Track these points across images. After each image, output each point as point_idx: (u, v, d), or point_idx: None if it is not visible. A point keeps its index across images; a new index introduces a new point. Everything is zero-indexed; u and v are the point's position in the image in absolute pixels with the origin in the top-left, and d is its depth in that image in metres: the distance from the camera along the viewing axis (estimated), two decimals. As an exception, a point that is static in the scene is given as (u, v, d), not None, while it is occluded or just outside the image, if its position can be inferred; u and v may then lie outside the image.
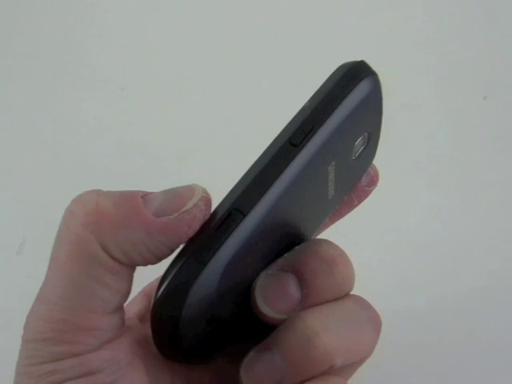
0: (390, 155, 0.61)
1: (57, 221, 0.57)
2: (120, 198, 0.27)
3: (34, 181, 0.62)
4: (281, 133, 0.27)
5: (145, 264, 0.27)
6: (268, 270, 0.29)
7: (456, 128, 0.64)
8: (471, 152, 0.62)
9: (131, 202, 0.26)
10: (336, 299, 0.29)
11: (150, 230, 0.26)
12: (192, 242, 0.26)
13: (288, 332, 0.28)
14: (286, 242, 0.30)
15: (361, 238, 0.54)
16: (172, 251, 0.27)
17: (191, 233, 0.27)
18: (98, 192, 0.27)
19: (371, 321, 0.30)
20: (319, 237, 0.34)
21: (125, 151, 0.63)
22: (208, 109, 0.66)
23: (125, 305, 0.29)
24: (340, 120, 0.27)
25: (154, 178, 0.58)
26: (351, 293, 0.30)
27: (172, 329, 0.26)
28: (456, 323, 0.51)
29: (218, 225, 0.26)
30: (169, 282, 0.26)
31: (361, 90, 0.28)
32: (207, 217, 0.27)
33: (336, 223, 0.36)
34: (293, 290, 0.28)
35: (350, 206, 0.34)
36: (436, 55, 0.69)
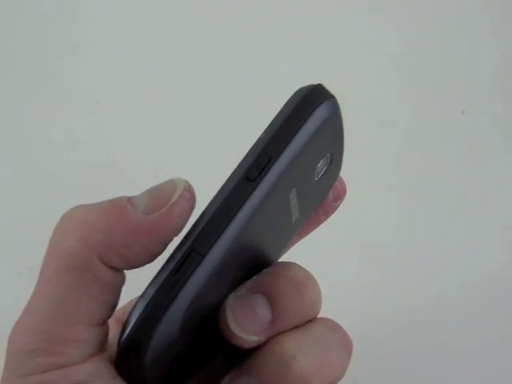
0: (368, 170, 0.61)
1: (32, 235, 0.57)
2: (107, 205, 0.27)
3: (6, 196, 0.61)
4: (237, 167, 0.27)
5: (142, 264, 0.27)
6: (237, 292, 0.29)
7: (433, 142, 0.64)
8: (447, 166, 0.63)
9: (119, 208, 0.27)
10: (307, 322, 0.30)
11: (143, 230, 0.26)
12: (152, 286, 0.26)
13: (265, 356, 0.28)
14: (252, 267, 0.30)
15: (328, 252, 0.54)
16: (166, 246, 0.27)
17: (182, 224, 0.27)
18: (85, 205, 0.28)
19: (343, 343, 0.30)
20: (287, 255, 0.34)
21: (99, 165, 0.63)
22: (184, 123, 0.66)
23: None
24: (298, 150, 0.27)
25: (129, 192, 0.57)
26: (319, 315, 0.31)
27: (137, 374, 0.26)
28: (429, 333, 0.52)
29: (177, 268, 0.26)
30: (130, 331, 0.25)
31: (318, 116, 0.27)
32: (194, 206, 0.27)
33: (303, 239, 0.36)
34: (263, 311, 0.28)
35: (317, 222, 0.34)
36: (414, 70, 0.70)
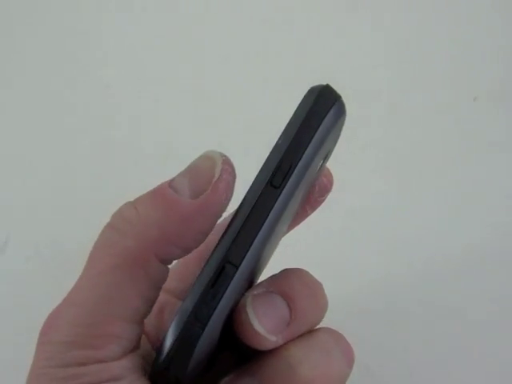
0: (378, 157, 0.61)
1: (40, 219, 0.57)
2: (153, 197, 0.27)
3: (18, 178, 0.61)
4: (259, 173, 0.28)
5: (199, 245, 0.28)
6: (253, 291, 0.29)
7: (444, 129, 0.64)
8: (459, 153, 0.62)
9: (165, 198, 0.27)
10: (312, 330, 0.30)
11: (194, 215, 0.26)
12: (189, 301, 0.26)
13: (272, 359, 0.29)
14: (261, 267, 0.31)
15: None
16: (217, 221, 0.28)
17: (230, 198, 0.27)
18: (132, 202, 0.28)
19: (345, 353, 0.31)
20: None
21: (110, 149, 0.63)
22: (195, 106, 0.66)
23: None
24: (313, 154, 0.28)
25: (140, 175, 0.58)
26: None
27: None
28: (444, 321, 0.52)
29: (214, 281, 0.26)
30: (170, 348, 0.26)
31: (331, 118, 0.28)
32: (235, 176, 0.27)
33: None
34: (283, 310, 0.29)
35: (304, 216, 0.35)
36: (425, 57, 0.69)
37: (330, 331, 0.31)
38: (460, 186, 0.60)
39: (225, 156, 0.28)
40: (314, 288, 0.30)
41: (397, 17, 0.72)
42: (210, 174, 0.27)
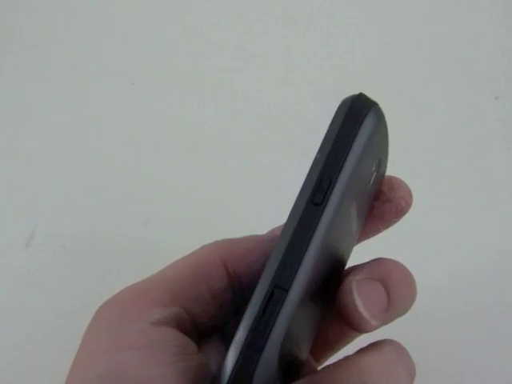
0: (403, 155, 0.61)
1: (67, 213, 0.57)
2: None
3: (44, 172, 0.62)
4: (300, 192, 0.27)
5: None
6: (356, 276, 0.29)
7: (466, 128, 0.64)
8: (481, 152, 0.62)
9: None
10: (378, 343, 0.30)
11: None
12: (242, 330, 0.26)
13: (343, 374, 0.28)
14: (329, 281, 0.30)
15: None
16: None
17: None
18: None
19: (407, 368, 0.30)
20: None
21: (134, 145, 0.63)
22: (217, 103, 0.66)
23: None
24: (354, 165, 0.27)
25: (165, 170, 0.58)
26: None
27: None
28: None
29: (264, 307, 0.26)
30: (228, 379, 0.25)
31: (367, 127, 0.27)
32: None
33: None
34: (384, 296, 0.29)
35: (375, 232, 0.34)
36: (447, 55, 0.69)
37: (394, 344, 0.30)
38: (480, 185, 0.60)
39: None
40: (409, 280, 0.31)
41: (419, 16, 0.72)
42: None
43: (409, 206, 0.33)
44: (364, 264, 0.31)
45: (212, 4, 0.74)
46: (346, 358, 0.28)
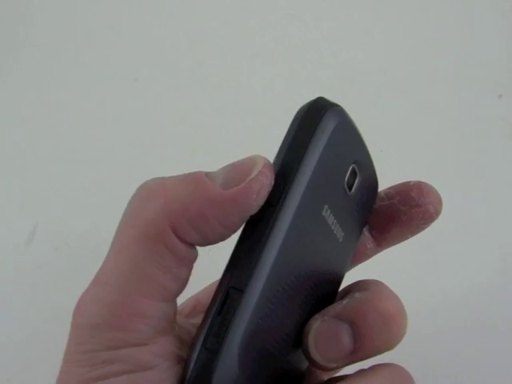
0: (406, 154, 0.61)
1: (68, 211, 0.57)
2: (184, 177, 0.27)
3: (46, 170, 0.62)
4: None
5: (216, 241, 0.27)
6: (324, 316, 0.29)
7: (469, 126, 0.64)
8: (484, 150, 0.62)
9: (196, 179, 0.26)
10: (375, 367, 0.28)
11: (221, 203, 0.26)
12: (202, 328, 0.26)
13: None
14: (316, 287, 0.30)
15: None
16: (243, 222, 0.27)
17: (260, 201, 0.26)
18: (162, 177, 0.27)
19: None
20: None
21: (137, 142, 0.63)
22: (221, 101, 0.66)
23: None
24: (312, 166, 0.27)
25: (166, 169, 0.58)
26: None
27: None
28: None
29: (220, 308, 0.25)
30: (188, 378, 0.25)
31: (323, 128, 0.27)
32: (272, 183, 0.27)
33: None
34: (346, 340, 0.28)
35: (402, 238, 0.33)
36: (451, 53, 0.69)
37: (396, 371, 0.29)
38: (483, 183, 0.60)
39: (268, 161, 0.27)
40: (389, 320, 0.28)
41: (424, 14, 0.72)
42: (247, 171, 0.26)
43: (438, 212, 0.32)
44: (342, 301, 0.29)
45: (217, 1, 0.73)
46: (345, 378, 0.28)
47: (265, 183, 0.26)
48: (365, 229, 0.33)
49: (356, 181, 0.30)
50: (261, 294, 0.26)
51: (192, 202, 0.26)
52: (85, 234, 0.56)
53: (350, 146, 0.29)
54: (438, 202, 0.32)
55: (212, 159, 0.60)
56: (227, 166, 0.27)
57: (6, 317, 0.52)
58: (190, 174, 0.27)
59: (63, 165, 0.62)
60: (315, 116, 0.27)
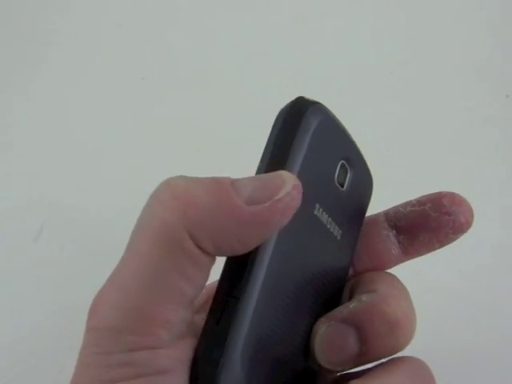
0: (414, 154, 0.61)
1: (76, 208, 0.57)
2: (210, 184, 0.25)
3: (53, 168, 0.62)
4: None
5: (231, 254, 0.26)
6: (331, 320, 0.28)
7: (477, 126, 0.64)
8: (492, 150, 0.62)
9: (222, 189, 0.25)
10: (393, 360, 0.28)
11: (243, 219, 0.25)
12: (202, 337, 0.26)
13: None
14: (320, 290, 0.30)
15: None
16: (261, 242, 0.26)
17: (284, 222, 0.26)
18: (185, 177, 0.26)
19: None
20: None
21: (143, 140, 0.63)
22: (228, 99, 0.66)
23: None
24: (297, 167, 0.26)
25: (172, 167, 0.58)
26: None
27: None
28: None
29: (218, 317, 0.25)
30: None
31: (305, 126, 0.27)
32: (298, 206, 0.26)
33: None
34: (352, 345, 0.28)
35: (431, 249, 0.32)
36: (458, 54, 0.69)
37: (413, 364, 0.29)
38: (490, 184, 0.59)
39: (297, 182, 0.26)
40: (396, 326, 0.28)
41: (431, 14, 0.72)
42: (274, 190, 0.25)
43: (468, 224, 0.31)
44: (349, 305, 0.29)
45: (224, 1, 0.74)
46: (364, 374, 0.28)
47: (290, 205, 0.25)
48: (391, 233, 0.32)
49: (348, 177, 0.30)
50: (258, 301, 0.25)
51: (213, 213, 0.25)
52: (92, 231, 0.57)
53: (336, 142, 0.29)
54: (470, 213, 0.31)
55: (217, 157, 0.61)
56: (255, 178, 0.26)
57: (15, 313, 0.52)
58: (215, 181, 0.26)
59: (70, 162, 0.62)
60: (296, 116, 0.27)
